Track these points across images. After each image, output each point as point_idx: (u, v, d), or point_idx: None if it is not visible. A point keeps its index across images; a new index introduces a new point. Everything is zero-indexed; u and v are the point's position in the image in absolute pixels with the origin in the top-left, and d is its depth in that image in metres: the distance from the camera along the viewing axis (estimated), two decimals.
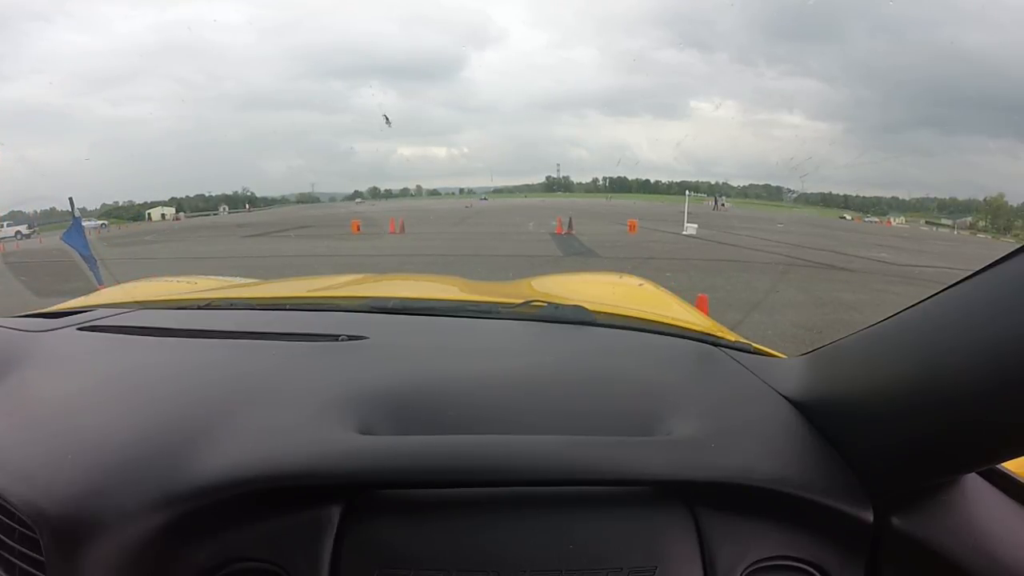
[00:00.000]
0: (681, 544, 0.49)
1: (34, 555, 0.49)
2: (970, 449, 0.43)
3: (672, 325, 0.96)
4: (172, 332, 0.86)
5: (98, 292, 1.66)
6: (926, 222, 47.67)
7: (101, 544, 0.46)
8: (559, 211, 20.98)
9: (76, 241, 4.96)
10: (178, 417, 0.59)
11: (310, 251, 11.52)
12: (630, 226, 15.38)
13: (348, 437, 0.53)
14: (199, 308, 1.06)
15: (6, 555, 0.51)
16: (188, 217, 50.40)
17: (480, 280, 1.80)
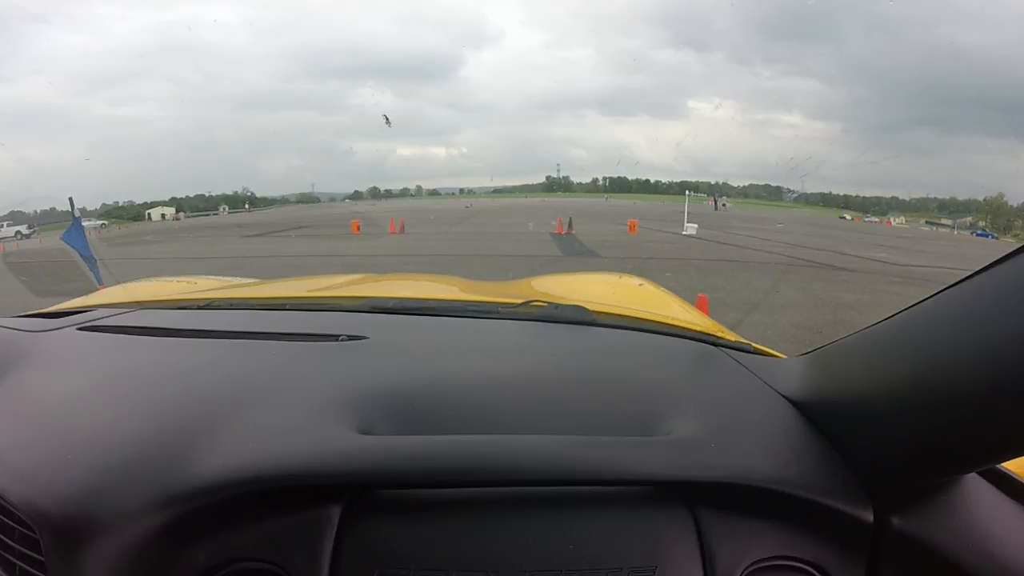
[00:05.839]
0: (681, 544, 0.49)
1: (34, 555, 0.49)
2: (970, 449, 0.43)
3: (672, 325, 0.95)
4: (172, 332, 0.86)
5: (98, 292, 1.66)
6: (926, 222, 47.74)
7: (101, 544, 0.46)
8: (559, 211, 20.97)
9: (76, 241, 4.95)
10: (178, 417, 0.59)
11: (310, 251, 11.51)
12: (630, 226, 15.35)
13: (348, 437, 0.53)
14: (199, 308, 1.06)
15: (6, 555, 0.51)
16: (188, 217, 50.36)
17: (480, 280, 1.80)
